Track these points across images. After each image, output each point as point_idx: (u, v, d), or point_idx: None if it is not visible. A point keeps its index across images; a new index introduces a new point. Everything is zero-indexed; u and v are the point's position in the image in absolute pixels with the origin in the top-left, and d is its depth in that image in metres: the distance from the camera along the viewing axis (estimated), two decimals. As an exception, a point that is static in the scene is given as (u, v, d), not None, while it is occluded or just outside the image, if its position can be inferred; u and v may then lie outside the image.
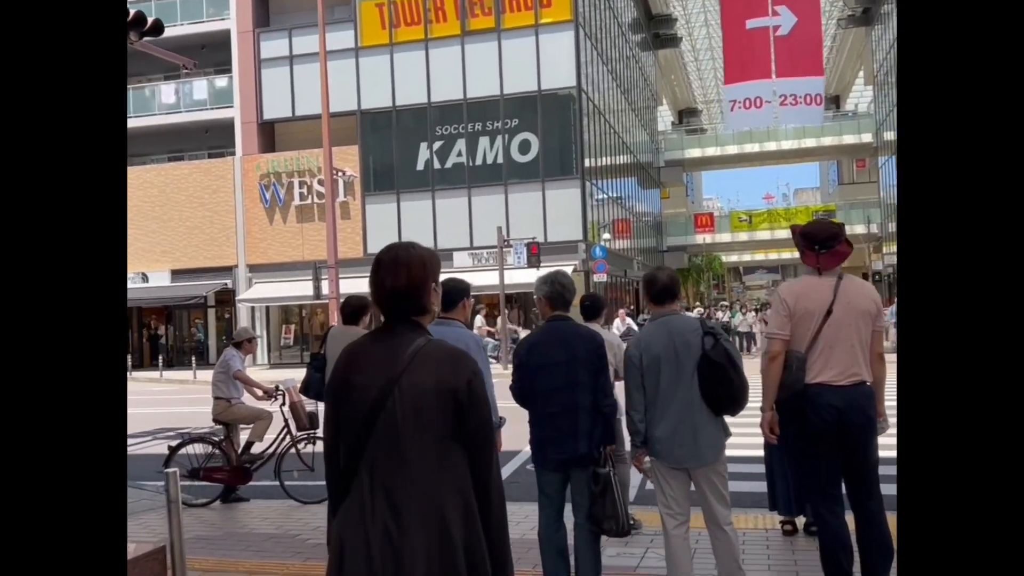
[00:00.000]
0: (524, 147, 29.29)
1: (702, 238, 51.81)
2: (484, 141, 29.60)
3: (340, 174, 26.16)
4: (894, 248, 44.11)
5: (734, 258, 71.82)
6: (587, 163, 29.53)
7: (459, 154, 29.75)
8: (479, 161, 29.66)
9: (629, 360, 4.35)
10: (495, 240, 26.02)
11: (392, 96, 30.09)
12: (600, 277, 27.60)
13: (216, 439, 8.06)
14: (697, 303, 45.20)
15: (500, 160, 29.41)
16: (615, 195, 35.68)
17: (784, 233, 51.39)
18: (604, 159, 33.69)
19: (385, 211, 30.04)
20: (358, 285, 28.36)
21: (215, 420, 8.10)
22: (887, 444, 4.56)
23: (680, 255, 51.95)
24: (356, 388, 2.33)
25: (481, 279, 27.45)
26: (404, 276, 2.40)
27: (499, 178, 29.28)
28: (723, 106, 61.73)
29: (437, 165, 29.80)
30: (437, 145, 29.83)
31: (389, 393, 2.29)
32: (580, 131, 29.05)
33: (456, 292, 4.62)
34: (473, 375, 2.36)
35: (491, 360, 21.91)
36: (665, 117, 61.03)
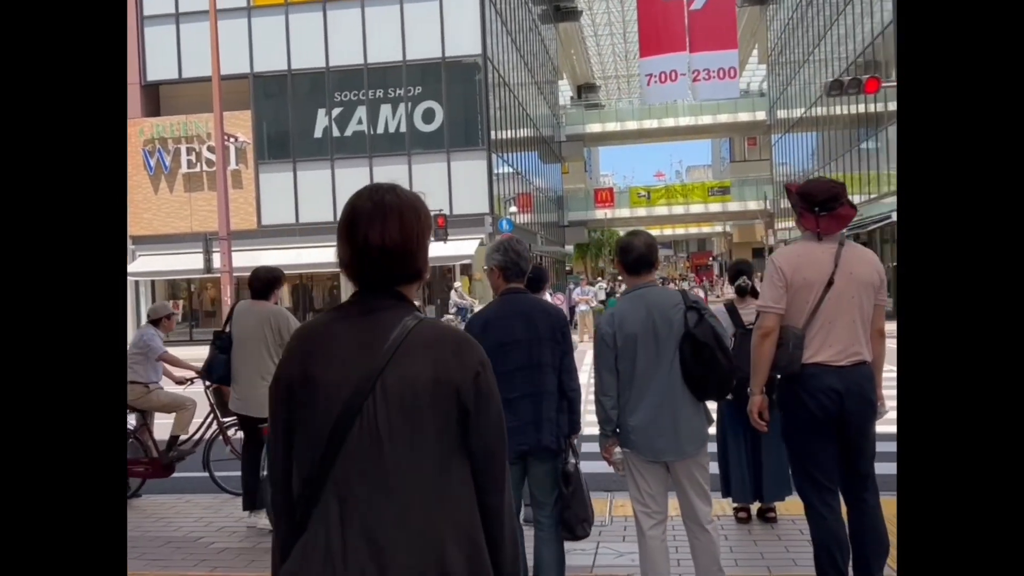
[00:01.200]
0: (428, 116, 28.40)
1: (602, 213, 52.06)
2: (386, 109, 28.55)
3: (232, 140, 24.65)
4: (787, 224, 45.40)
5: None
6: (493, 135, 28.89)
7: (359, 122, 28.64)
8: (381, 129, 28.62)
9: (601, 338, 3.86)
10: (398, 212, 25.07)
11: (287, 59, 28.60)
12: (506, 251, 27.07)
13: (130, 427, 7.11)
14: (599, 277, 45.41)
15: (403, 129, 28.44)
16: (519, 168, 35.21)
17: (680, 209, 52.25)
18: (509, 131, 33.12)
19: (280, 180, 28.64)
20: (252, 258, 27.19)
21: (129, 407, 7.10)
22: (884, 433, 4.22)
23: (580, 230, 52.08)
24: (320, 385, 1.75)
25: (384, 252, 26.59)
26: (395, 228, 1.79)
27: (402, 147, 28.32)
28: (633, 80, 62.16)
29: (336, 133, 28.61)
30: (336, 112, 28.61)
31: (368, 391, 1.72)
32: (486, 101, 28.35)
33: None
34: (481, 366, 1.80)
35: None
36: (564, 92, 60.89)
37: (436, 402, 1.73)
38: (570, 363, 3.96)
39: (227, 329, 5.81)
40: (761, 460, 5.48)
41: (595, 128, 52.40)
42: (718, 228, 69.00)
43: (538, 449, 3.85)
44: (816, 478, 3.78)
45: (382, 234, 1.76)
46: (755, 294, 6.86)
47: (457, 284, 23.38)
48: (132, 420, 7.19)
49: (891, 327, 5.33)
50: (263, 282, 5.75)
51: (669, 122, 51.44)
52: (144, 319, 7.45)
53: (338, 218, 1.84)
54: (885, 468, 4.20)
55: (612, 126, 52.49)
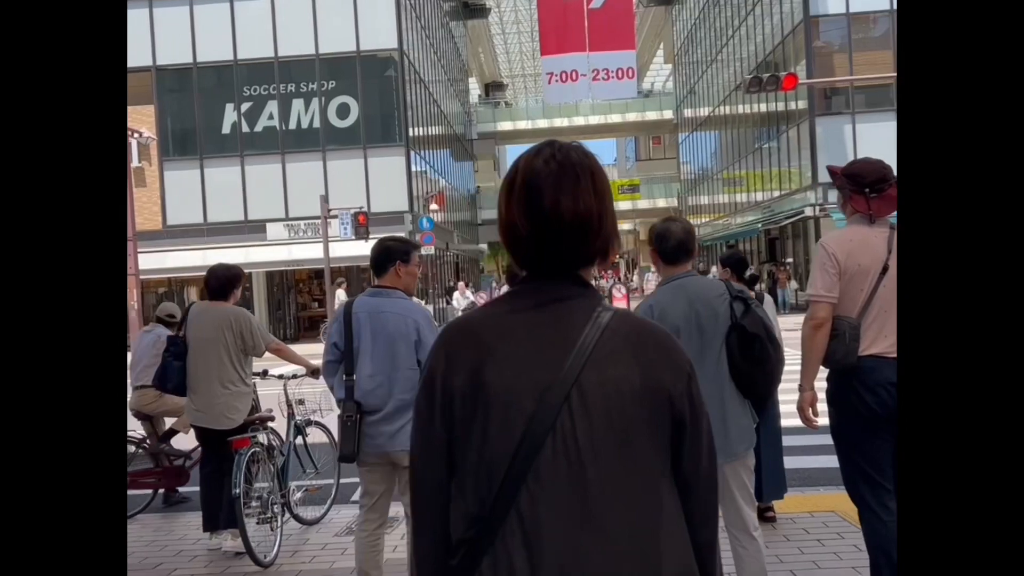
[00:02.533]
0: (343, 111, 27.60)
1: (515, 211, 51.91)
2: (298, 104, 27.62)
3: (135, 135, 23.35)
4: (696, 220, 46.36)
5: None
6: (411, 131, 28.32)
7: (270, 117, 27.63)
8: (293, 125, 27.68)
9: None
10: (313, 210, 24.37)
11: (192, 52, 27.30)
12: (428, 249, 26.59)
13: (136, 436, 6.54)
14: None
15: (317, 124, 27.56)
16: (435, 166, 34.71)
17: (592, 207, 52.64)
18: (425, 128, 32.59)
19: (186, 178, 27.34)
20: (158, 260, 25.82)
21: (136, 413, 6.50)
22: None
23: (494, 228, 51.81)
24: (496, 396, 1.39)
25: (300, 252, 25.71)
26: (590, 193, 1.43)
27: (316, 144, 27.44)
28: (541, 78, 62.36)
29: (245, 128, 27.51)
30: (245, 107, 27.52)
31: (561, 402, 1.37)
32: (403, 97, 27.76)
33: (388, 252, 3.91)
34: (691, 368, 1.47)
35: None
36: (472, 90, 60.61)
37: (648, 414, 1.39)
38: None
39: (181, 333, 5.32)
40: (760, 460, 5.29)
41: (506, 126, 52.29)
42: (626, 226, 70.00)
43: None
44: (872, 477, 3.56)
45: (575, 201, 1.40)
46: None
47: (341, 290, 22.42)
48: (140, 429, 6.61)
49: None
50: (221, 281, 5.30)
51: (579, 120, 51.78)
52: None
53: (502, 181, 1.48)
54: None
55: (523, 124, 52.49)
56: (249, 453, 5.04)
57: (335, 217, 23.34)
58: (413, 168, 28.35)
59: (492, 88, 66.01)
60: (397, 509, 4.67)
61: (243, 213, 26.91)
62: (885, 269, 3.46)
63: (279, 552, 5.08)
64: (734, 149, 37.86)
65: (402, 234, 26.72)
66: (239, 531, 4.88)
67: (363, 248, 24.09)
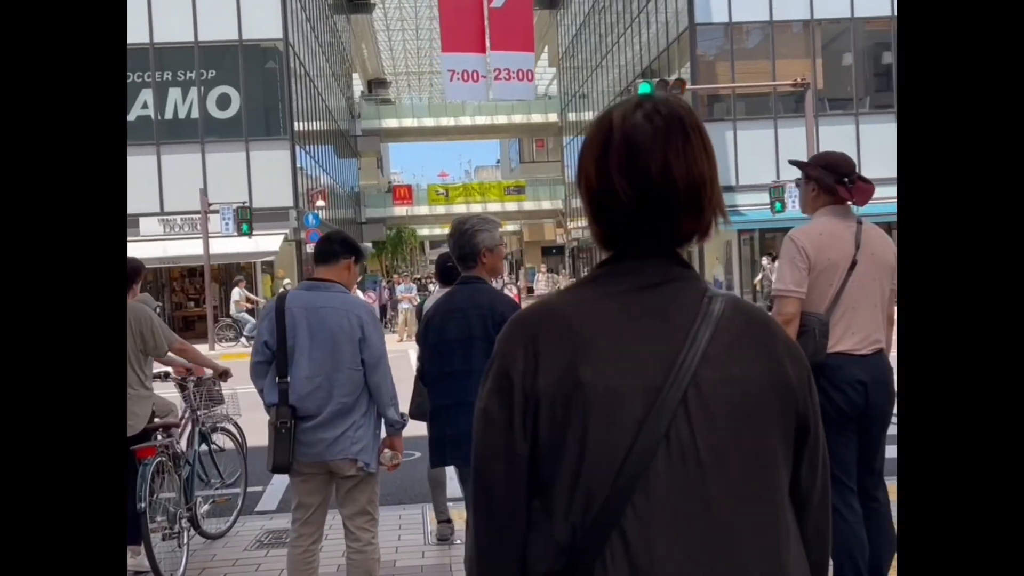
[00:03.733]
0: (223, 102, 26.41)
1: (401, 210, 51.28)
2: (175, 93, 26.26)
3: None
4: (578, 223, 47.01)
5: (425, 231, 72.64)
6: (297, 125, 27.38)
7: (144, 106, 26.17)
8: (169, 115, 26.31)
9: None
10: (191, 204, 23.19)
11: (57, 32, 25.46)
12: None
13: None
14: (394, 276, 44.65)
15: (195, 115, 26.25)
16: (320, 161, 33.75)
17: (478, 207, 52.57)
18: (310, 122, 31.63)
19: (50, 168, 25.42)
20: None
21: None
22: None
23: (379, 227, 51.00)
24: (597, 396, 1.16)
25: (176, 249, 24.40)
26: (701, 156, 1.22)
27: (194, 135, 26.15)
28: (425, 77, 61.67)
29: (117, 117, 25.79)
30: (116, 94, 25.79)
31: (676, 406, 1.16)
32: (288, 89, 26.81)
33: (346, 244, 3.67)
34: (810, 365, 1.32)
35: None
36: (356, 86, 59.49)
37: (777, 418, 1.21)
38: None
39: None
40: None
41: (391, 123, 51.53)
42: (509, 227, 70.41)
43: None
44: (837, 477, 3.49)
45: (688, 163, 1.19)
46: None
47: (236, 289, 21.24)
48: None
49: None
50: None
51: (465, 120, 51.59)
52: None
53: (588, 140, 1.25)
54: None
55: (408, 122, 51.87)
56: (155, 463, 4.65)
57: (215, 212, 22.26)
58: (298, 163, 27.44)
59: (376, 85, 64.98)
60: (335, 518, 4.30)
61: (113, 206, 25.33)
62: (853, 265, 3.42)
63: (186, 570, 4.75)
64: (619, 153, 38.52)
65: (286, 231, 25.83)
66: (144, 548, 4.48)
67: (245, 244, 23.10)
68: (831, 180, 3.48)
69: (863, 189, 3.51)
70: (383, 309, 22.78)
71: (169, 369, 5.55)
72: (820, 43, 27.18)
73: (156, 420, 5.06)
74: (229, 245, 22.88)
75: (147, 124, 26.13)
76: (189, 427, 5.46)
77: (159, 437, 4.92)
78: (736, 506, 1.16)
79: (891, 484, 3.43)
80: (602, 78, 40.82)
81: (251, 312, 20.57)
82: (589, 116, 43.90)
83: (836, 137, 22.79)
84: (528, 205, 52.38)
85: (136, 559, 4.67)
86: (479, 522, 1.23)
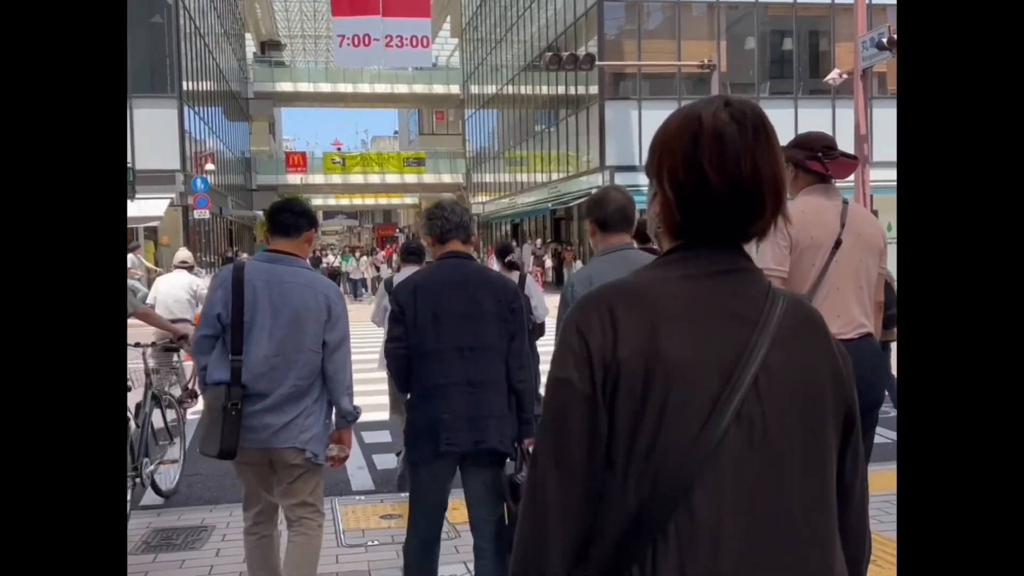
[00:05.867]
0: (104, 55, 24.54)
1: (295, 179, 49.59)
2: (50, 41, 24.19)
3: None
4: (480, 199, 46.60)
5: (319, 201, 70.66)
6: (185, 85, 25.79)
7: (14, 54, 23.97)
8: (43, 66, 24.20)
9: (565, 302, 3.22)
10: (68, 164, 21.45)
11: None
12: (202, 214, 24.45)
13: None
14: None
15: (72, 67, 24.29)
16: (210, 123, 32.04)
17: (376, 178, 51.43)
18: (200, 82, 29.93)
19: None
20: None
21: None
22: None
23: (271, 195, 49.17)
24: (675, 368, 1.20)
25: (48, 211, 22.58)
26: (779, 158, 1.29)
27: (71, 89, 24.18)
28: (321, 41, 59.56)
29: (-18, 65, 23.67)
30: (-19, 39, 23.65)
31: (749, 384, 1.21)
32: (177, 44, 25.18)
33: (307, 214, 3.47)
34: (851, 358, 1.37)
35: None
36: (248, 48, 57.00)
37: (833, 408, 1.28)
38: (520, 347, 3.32)
39: None
40: None
41: (286, 87, 49.61)
42: (407, 200, 69.32)
43: (475, 453, 3.24)
44: None
45: (771, 163, 1.27)
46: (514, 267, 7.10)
47: (131, 256, 19.58)
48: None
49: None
50: None
51: (364, 88, 50.19)
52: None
53: (674, 131, 1.29)
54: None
55: (304, 87, 50.05)
56: None
57: (94, 173, 20.65)
58: (186, 124, 25.88)
59: (269, 47, 62.46)
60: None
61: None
62: (838, 244, 3.21)
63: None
64: (522, 128, 38.27)
65: (172, 195, 24.36)
66: None
67: (127, 209, 21.61)
68: (803, 156, 3.26)
69: (843, 164, 3.31)
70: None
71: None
72: (724, 26, 27.47)
73: None
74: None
75: (17, 74, 24.07)
76: (143, 390, 5.68)
77: None
78: (798, 490, 1.22)
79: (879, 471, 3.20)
80: (506, 51, 40.30)
81: (145, 282, 19.03)
82: (492, 89, 43.36)
83: (739, 120, 23.04)
84: (428, 178, 51.59)
85: None
86: (548, 494, 1.22)
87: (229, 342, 3.23)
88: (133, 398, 5.34)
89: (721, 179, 1.23)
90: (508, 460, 3.33)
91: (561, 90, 31.13)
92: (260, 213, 48.42)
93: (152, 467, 5.57)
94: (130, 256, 19.69)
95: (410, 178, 50.72)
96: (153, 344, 6.02)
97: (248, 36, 55.01)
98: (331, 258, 32.46)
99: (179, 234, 25.16)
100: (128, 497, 5.00)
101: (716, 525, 1.16)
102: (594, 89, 27.32)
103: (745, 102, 1.29)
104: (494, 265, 7.45)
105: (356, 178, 50.83)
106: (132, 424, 5.30)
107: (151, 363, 5.82)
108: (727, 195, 1.24)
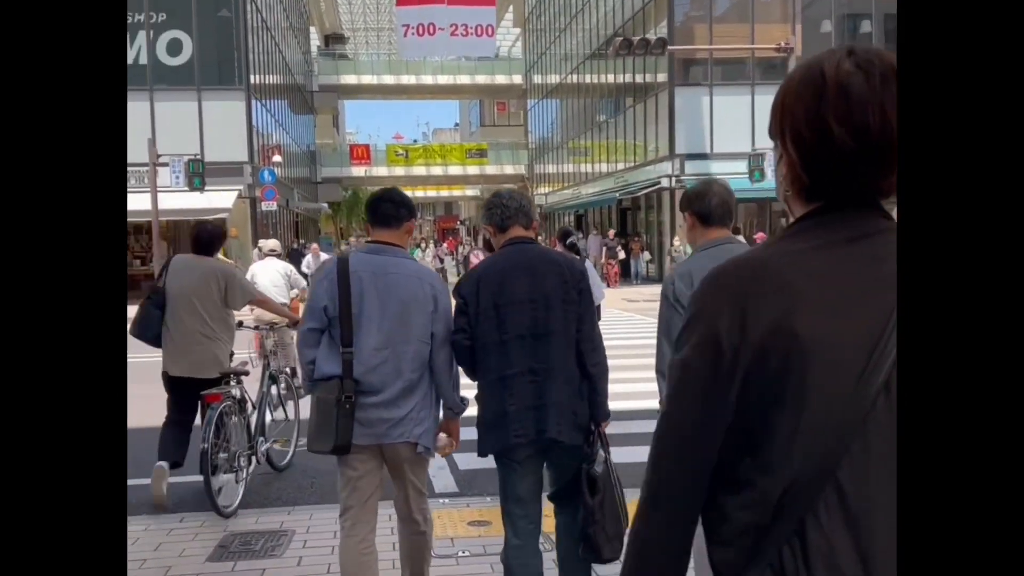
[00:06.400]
0: (174, 47, 24.84)
1: (359, 171, 49.79)
2: (122, 36, 24.53)
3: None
4: (542, 190, 46.17)
5: (381, 194, 70.90)
6: (253, 78, 25.91)
7: (88, 49, 24.37)
8: (115, 60, 24.56)
9: (673, 301, 3.09)
10: (138, 156, 21.72)
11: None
12: (269, 205, 24.53)
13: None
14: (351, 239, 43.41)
15: (143, 61, 24.65)
16: (277, 116, 32.25)
17: (438, 170, 51.40)
18: (268, 74, 30.11)
19: (-17, 113, 23.70)
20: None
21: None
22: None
23: (335, 187, 49.53)
24: (813, 347, 1.16)
25: (121, 203, 22.91)
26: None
27: (142, 82, 24.55)
28: (384, 33, 59.76)
29: (57, 60, 24.13)
30: (57, 35, 24.11)
31: (893, 353, 1.14)
32: (244, 36, 25.30)
33: (407, 204, 3.46)
34: None
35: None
36: (312, 41, 57.46)
37: None
38: (590, 329, 3.24)
39: (161, 283, 5.47)
40: None
41: (350, 80, 49.76)
42: (468, 192, 69.22)
43: (541, 442, 3.15)
44: None
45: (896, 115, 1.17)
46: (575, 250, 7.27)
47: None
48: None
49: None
50: (210, 236, 5.60)
51: (427, 79, 50.08)
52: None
53: (793, 86, 1.22)
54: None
55: (368, 79, 50.15)
56: (221, 408, 5.20)
57: (164, 165, 20.86)
58: (254, 116, 26.01)
59: (332, 40, 62.95)
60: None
61: (53, 156, 23.74)
62: None
63: (240, 503, 5.28)
64: (587, 117, 37.66)
65: (240, 187, 24.49)
66: (204, 483, 5.01)
67: (196, 200, 21.80)
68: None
69: None
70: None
71: (243, 318, 6.38)
72: (799, 7, 26.45)
73: (233, 364, 5.63)
74: (179, 200, 21.55)
75: (90, 68, 24.48)
76: (261, 370, 6.21)
77: (232, 382, 5.46)
78: None
79: None
80: (570, 39, 39.71)
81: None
82: (555, 79, 42.80)
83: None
84: (490, 169, 51.30)
85: (160, 482, 5.28)
86: (668, 477, 1.24)
87: (337, 335, 3.22)
88: (252, 379, 5.86)
89: (848, 133, 1.18)
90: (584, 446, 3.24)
91: (627, 78, 30.44)
92: (325, 205, 48.85)
93: (267, 444, 5.99)
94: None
95: (472, 170, 50.51)
96: (272, 326, 6.59)
97: (312, 30, 55.45)
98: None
99: (247, 226, 25.30)
100: (246, 475, 5.48)
101: (867, 500, 1.14)
102: (663, 76, 26.61)
103: (872, 49, 1.22)
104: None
105: (419, 170, 50.81)
106: (249, 405, 5.69)
107: (269, 344, 6.35)
108: (855, 150, 1.18)
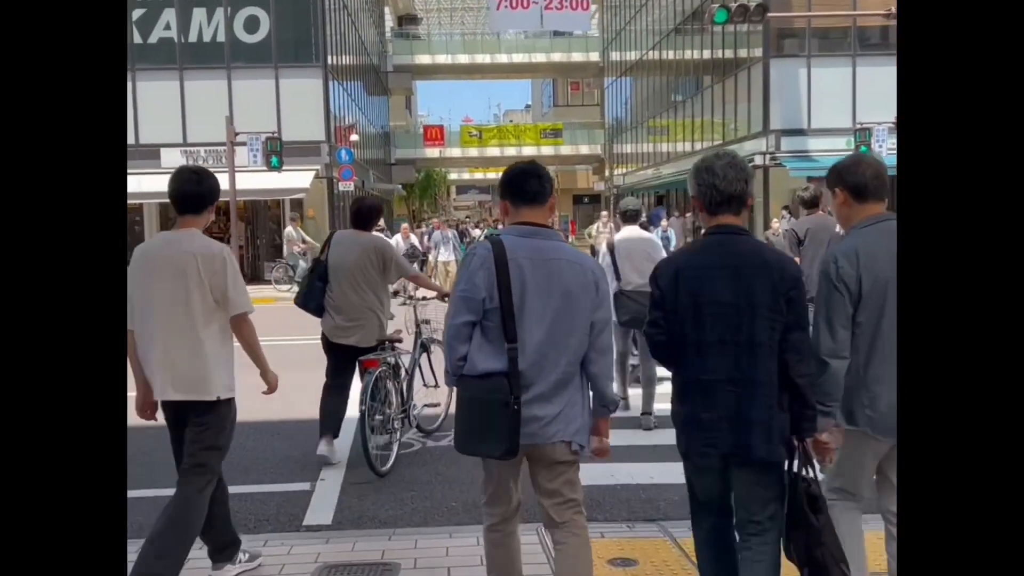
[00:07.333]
0: (251, 24, 24.46)
1: (432, 152, 49.24)
2: (200, 13, 24.37)
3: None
4: (621, 170, 44.88)
5: (454, 175, 70.48)
6: (330, 57, 25.38)
7: (167, 27, 24.38)
8: (193, 37, 24.47)
9: (836, 280, 2.98)
10: (216, 135, 21.45)
11: (73, -56, 23.49)
12: (347, 185, 24.04)
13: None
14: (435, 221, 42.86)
15: (221, 38, 24.37)
16: (353, 95, 31.79)
17: (513, 151, 50.47)
18: (344, 53, 29.61)
19: (66, 93, 23.68)
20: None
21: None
22: None
23: (409, 169, 49.11)
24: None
25: (200, 183, 22.69)
26: None
27: (220, 60, 24.29)
28: (456, 13, 59.02)
29: (137, 39, 24.16)
30: (137, 15, 24.12)
31: None
32: (321, 14, 24.77)
33: (548, 179, 3.15)
34: None
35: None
36: (386, 23, 57.02)
37: None
38: (799, 339, 2.89)
39: (324, 257, 5.80)
40: None
41: (424, 60, 49.15)
42: (542, 173, 68.09)
43: (741, 457, 2.91)
44: None
45: None
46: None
47: (289, 228, 19.66)
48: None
49: None
50: (370, 211, 5.91)
51: (502, 58, 49.11)
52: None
53: None
54: None
55: (442, 58, 49.47)
56: (377, 373, 5.54)
57: (242, 144, 20.47)
58: (331, 96, 25.51)
59: (406, 21, 62.48)
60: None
61: (134, 136, 23.65)
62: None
63: (394, 465, 5.61)
64: (667, 94, 36.23)
65: (318, 167, 24.05)
66: (361, 443, 5.41)
67: (274, 180, 21.39)
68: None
69: None
70: (423, 256, 20.83)
71: (398, 288, 6.95)
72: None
73: (389, 333, 5.89)
74: (256, 180, 21.16)
75: (170, 47, 24.30)
76: (414, 338, 6.58)
77: (388, 348, 5.77)
78: None
79: None
80: (649, 14, 38.21)
81: (303, 255, 18.61)
82: (633, 56, 41.37)
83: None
84: (565, 150, 50.14)
85: (328, 447, 5.72)
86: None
87: (491, 328, 2.98)
88: (405, 345, 6.24)
89: None
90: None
91: (715, 53, 28.97)
92: (399, 187, 48.47)
93: (418, 410, 6.28)
94: (288, 229, 19.42)
95: (547, 150, 49.34)
96: (424, 299, 6.75)
97: (386, 10, 55.03)
98: (476, 231, 31.74)
99: (324, 206, 24.88)
100: (399, 437, 5.82)
101: None
102: (757, 50, 25.12)
103: None
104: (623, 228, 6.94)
105: (492, 151, 49.92)
106: (403, 371, 6.06)
107: (421, 315, 6.60)
108: None
